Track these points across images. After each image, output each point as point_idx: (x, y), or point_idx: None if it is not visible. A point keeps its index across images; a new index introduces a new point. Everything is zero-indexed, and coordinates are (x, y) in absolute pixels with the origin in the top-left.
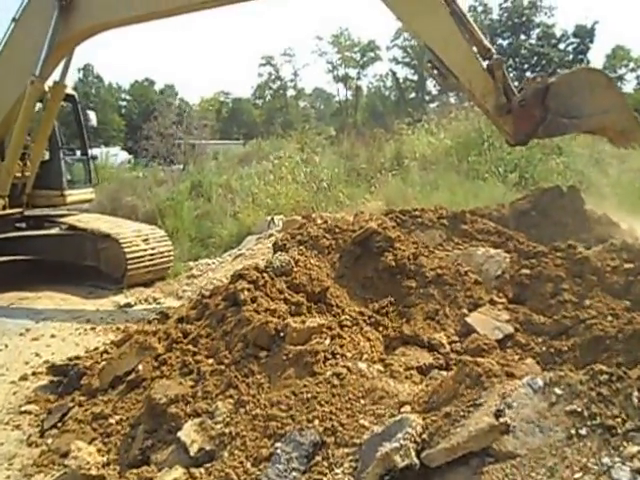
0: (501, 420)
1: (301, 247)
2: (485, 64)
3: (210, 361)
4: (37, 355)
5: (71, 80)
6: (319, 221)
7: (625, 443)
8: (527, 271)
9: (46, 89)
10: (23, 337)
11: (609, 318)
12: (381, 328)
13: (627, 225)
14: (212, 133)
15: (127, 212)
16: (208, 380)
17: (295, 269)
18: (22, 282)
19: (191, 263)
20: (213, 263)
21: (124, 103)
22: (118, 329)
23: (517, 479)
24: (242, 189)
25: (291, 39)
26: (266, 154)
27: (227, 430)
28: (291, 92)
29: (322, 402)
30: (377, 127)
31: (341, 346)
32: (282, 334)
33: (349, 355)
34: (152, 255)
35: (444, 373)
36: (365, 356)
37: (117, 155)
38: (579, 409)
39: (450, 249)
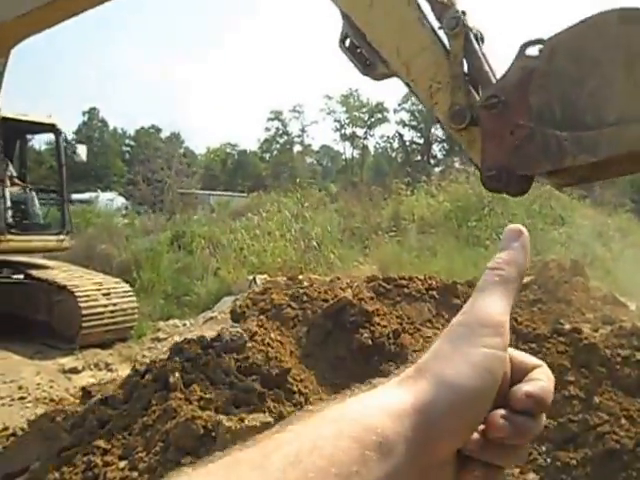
0: None
1: (261, 317)
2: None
3: (122, 464)
4: None
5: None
6: (305, 283)
7: None
8: None
9: None
10: None
11: (623, 421)
12: None
13: (635, 305)
14: (203, 181)
15: (101, 261)
16: None
17: (249, 344)
18: None
19: (161, 323)
20: (184, 325)
21: (128, 149)
22: (52, 401)
23: None
24: (228, 243)
25: (300, 96)
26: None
27: None
28: (298, 148)
29: None
30: (376, 186)
31: None
32: (214, 434)
33: None
34: (113, 312)
35: None
36: None
37: (113, 200)
38: None
39: (440, 327)
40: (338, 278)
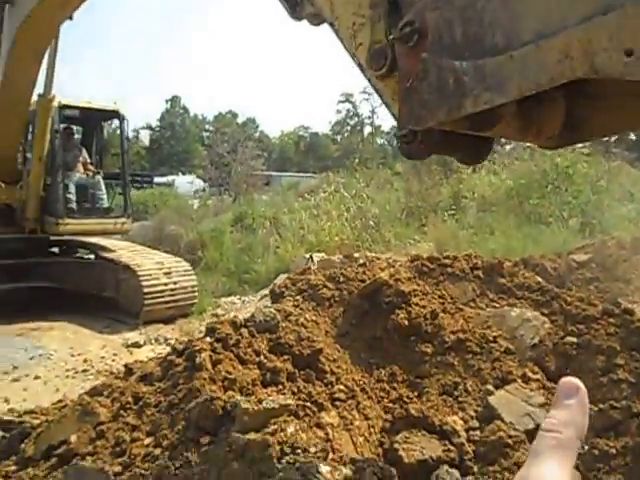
0: None
1: (298, 297)
2: None
3: (148, 441)
4: (6, 401)
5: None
6: (361, 261)
7: None
8: (573, 339)
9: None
10: (5, 377)
11: None
12: (385, 402)
13: None
14: (277, 163)
15: (170, 241)
16: (137, 467)
17: (283, 325)
18: (44, 309)
19: (222, 300)
20: (242, 301)
21: (207, 134)
22: (112, 374)
23: None
24: (289, 223)
25: None
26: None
27: None
28: (368, 129)
29: None
30: (438, 165)
31: (321, 427)
32: (233, 415)
33: (313, 451)
34: (173, 290)
35: (455, 472)
36: (343, 448)
37: (192, 183)
38: None
39: (484, 306)
40: (377, 258)
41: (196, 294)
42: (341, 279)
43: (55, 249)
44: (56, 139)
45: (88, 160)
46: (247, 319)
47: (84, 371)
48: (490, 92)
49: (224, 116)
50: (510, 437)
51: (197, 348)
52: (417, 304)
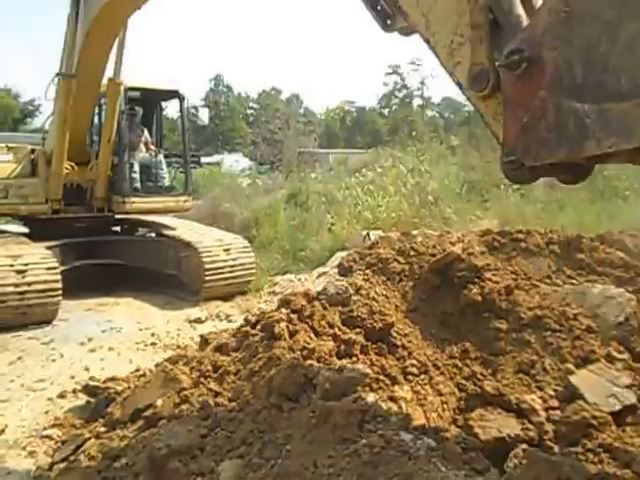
0: None
1: (367, 271)
2: None
3: (231, 406)
4: (86, 369)
5: (181, 84)
6: (419, 239)
7: None
8: None
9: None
10: (82, 347)
11: None
12: (459, 379)
13: None
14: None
15: (224, 219)
16: (223, 430)
17: (354, 298)
18: (108, 287)
19: (277, 278)
20: (298, 280)
21: (251, 112)
22: (178, 347)
23: None
24: (343, 200)
25: (418, 49)
26: (378, 163)
27: None
28: (418, 101)
29: None
30: None
31: (394, 401)
32: (314, 382)
33: (394, 420)
34: (232, 267)
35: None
36: (419, 422)
37: (238, 161)
38: None
39: (560, 283)
40: (448, 232)
41: (254, 271)
42: (411, 253)
43: (117, 228)
44: (122, 120)
45: (150, 140)
46: (319, 292)
47: (153, 344)
48: (615, 137)
49: (268, 93)
50: (595, 418)
51: (275, 319)
52: (490, 279)
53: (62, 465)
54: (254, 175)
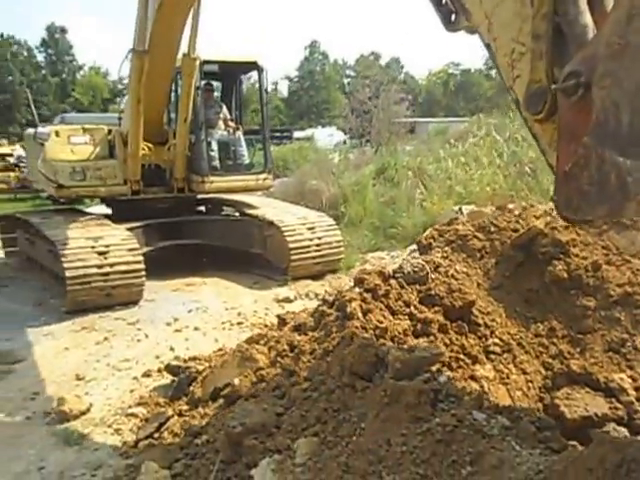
0: None
1: (447, 248)
2: None
3: (305, 385)
4: (171, 349)
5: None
6: (516, 212)
7: None
8: None
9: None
10: (167, 327)
11: None
12: (545, 357)
13: None
14: (423, 108)
15: (311, 197)
16: (298, 409)
17: (432, 276)
18: (196, 267)
19: (368, 255)
20: (390, 256)
21: (348, 80)
22: (266, 326)
23: None
24: (434, 173)
25: None
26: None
27: (305, 477)
28: None
29: (418, 461)
30: None
31: (475, 380)
32: (386, 362)
33: (467, 399)
34: (318, 245)
35: (623, 430)
36: (503, 401)
37: (332, 135)
38: None
39: None
40: (532, 206)
41: (342, 249)
42: (492, 229)
43: (202, 208)
44: (198, 97)
45: (228, 116)
46: (395, 270)
47: (239, 323)
48: None
49: (366, 58)
50: None
51: (347, 298)
52: (577, 255)
53: (146, 442)
54: (345, 150)
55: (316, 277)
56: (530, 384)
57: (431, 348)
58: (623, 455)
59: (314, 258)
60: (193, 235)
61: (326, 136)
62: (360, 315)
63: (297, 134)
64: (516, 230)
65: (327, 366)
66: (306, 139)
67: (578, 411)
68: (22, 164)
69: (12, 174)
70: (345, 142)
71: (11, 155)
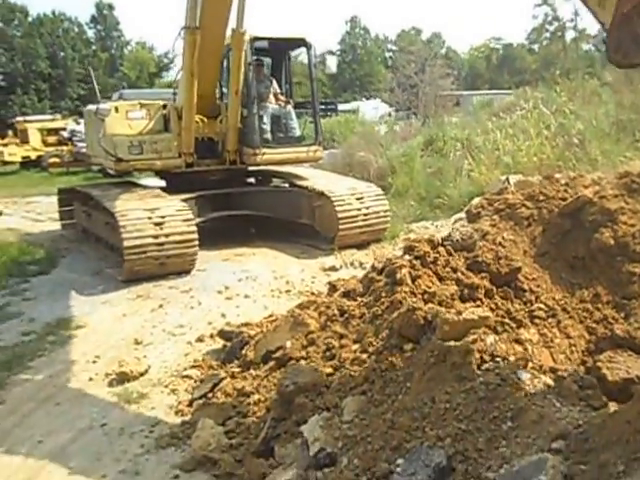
0: None
1: (495, 217)
2: None
3: (355, 347)
4: (223, 316)
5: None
6: (563, 182)
7: None
8: None
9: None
10: (219, 295)
11: None
12: (589, 322)
13: None
14: (467, 81)
15: (360, 168)
16: (347, 369)
17: (480, 244)
18: (244, 237)
19: (413, 225)
20: (435, 226)
21: (390, 54)
22: (313, 294)
23: None
24: (482, 145)
25: None
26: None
27: (352, 432)
28: (571, 34)
29: (461, 417)
30: None
31: (519, 343)
32: (433, 325)
33: (512, 359)
34: (366, 215)
35: None
36: (546, 363)
37: (377, 108)
38: None
39: None
40: (581, 176)
41: (388, 219)
42: (540, 197)
43: (251, 179)
44: (249, 72)
45: (278, 90)
46: (444, 238)
47: (287, 291)
48: None
49: (407, 33)
50: None
51: (397, 265)
52: (625, 222)
53: (200, 401)
54: (392, 122)
55: (361, 246)
56: (573, 348)
57: (478, 311)
58: None
59: (361, 227)
60: (243, 206)
61: (371, 109)
62: (409, 281)
63: (342, 107)
64: (564, 199)
65: (376, 329)
66: (351, 112)
67: (620, 373)
68: (75, 138)
69: (65, 148)
70: (390, 114)
71: (64, 129)
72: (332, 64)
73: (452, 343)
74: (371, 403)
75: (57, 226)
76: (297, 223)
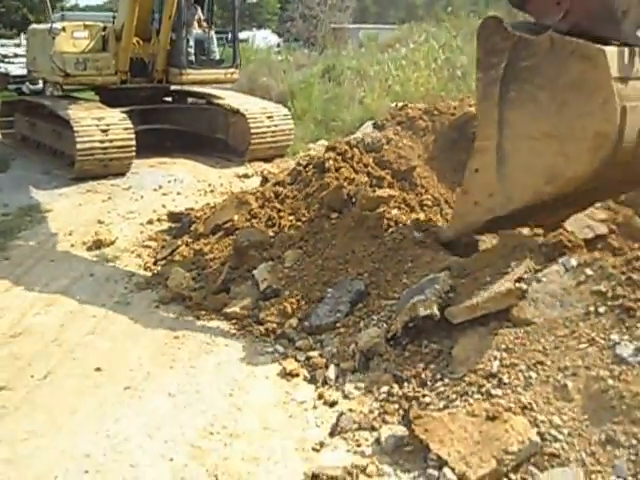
0: (518, 285)
1: (397, 127)
2: None
3: (291, 217)
4: (163, 206)
5: None
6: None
7: (638, 324)
8: None
9: None
10: (156, 192)
11: None
12: None
13: None
14: (355, 15)
15: (262, 92)
16: (285, 233)
17: (385, 147)
18: (163, 149)
19: (311, 144)
20: None
21: None
22: (232, 193)
23: (525, 342)
24: (375, 75)
25: None
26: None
27: (292, 274)
28: None
29: (374, 260)
30: None
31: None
32: (354, 200)
33: (409, 224)
34: (274, 132)
35: None
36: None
37: (266, 38)
38: (604, 289)
39: None
40: (468, 97)
41: (292, 137)
42: (435, 113)
43: (169, 98)
44: None
45: (202, 17)
46: (358, 141)
47: (211, 191)
48: None
49: None
50: (570, 241)
51: (325, 158)
52: None
53: (163, 262)
54: (285, 52)
55: (267, 160)
56: None
57: (388, 191)
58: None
59: (269, 143)
60: (166, 121)
61: (261, 39)
62: (334, 170)
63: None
64: (454, 114)
65: (307, 205)
66: (244, 41)
67: None
68: None
69: None
70: (279, 45)
71: None
72: None
73: (368, 213)
74: (306, 254)
75: None
76: (212, 138)
